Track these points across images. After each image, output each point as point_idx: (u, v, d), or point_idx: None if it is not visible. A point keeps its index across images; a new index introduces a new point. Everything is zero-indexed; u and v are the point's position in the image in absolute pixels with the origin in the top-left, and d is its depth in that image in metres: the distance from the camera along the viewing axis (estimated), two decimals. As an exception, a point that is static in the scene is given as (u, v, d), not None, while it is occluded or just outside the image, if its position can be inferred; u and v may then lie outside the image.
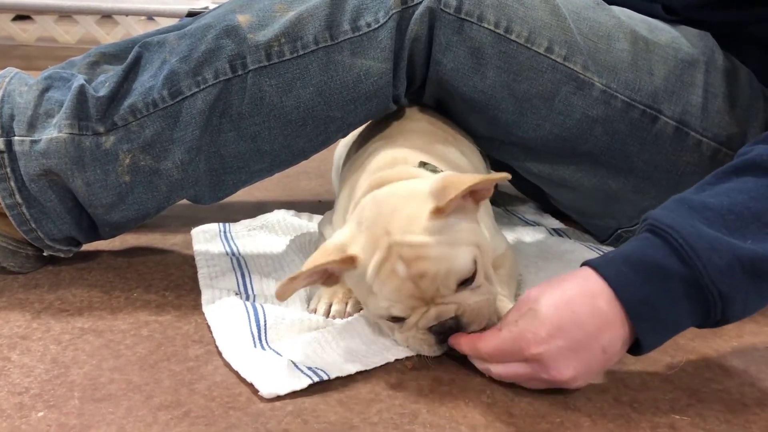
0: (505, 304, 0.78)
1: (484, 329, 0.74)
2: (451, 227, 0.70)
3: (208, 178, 0.91)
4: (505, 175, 0.71)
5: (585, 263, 0.70)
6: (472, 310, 0.71)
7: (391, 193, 0.75)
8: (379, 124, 0.97)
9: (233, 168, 0.91)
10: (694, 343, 0.82)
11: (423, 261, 0.68)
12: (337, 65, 0.86)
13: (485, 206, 0.89)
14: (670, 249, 0.65)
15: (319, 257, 0.71)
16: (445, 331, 0.71)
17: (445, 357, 0.76)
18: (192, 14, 2.75)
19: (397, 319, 0.72)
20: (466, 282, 0.70)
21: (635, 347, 0.68)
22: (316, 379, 0.69)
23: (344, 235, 0.73)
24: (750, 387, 0.75)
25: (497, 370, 0.70)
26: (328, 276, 0.74)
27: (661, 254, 0.65)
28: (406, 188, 0.75)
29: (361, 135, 1.01)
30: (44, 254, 0.95)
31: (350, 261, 0.70)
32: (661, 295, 0.65)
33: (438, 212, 0.69)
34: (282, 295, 0.70)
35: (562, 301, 0.67)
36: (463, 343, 0.72)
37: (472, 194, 0.73)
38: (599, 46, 0.91)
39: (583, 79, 0.90)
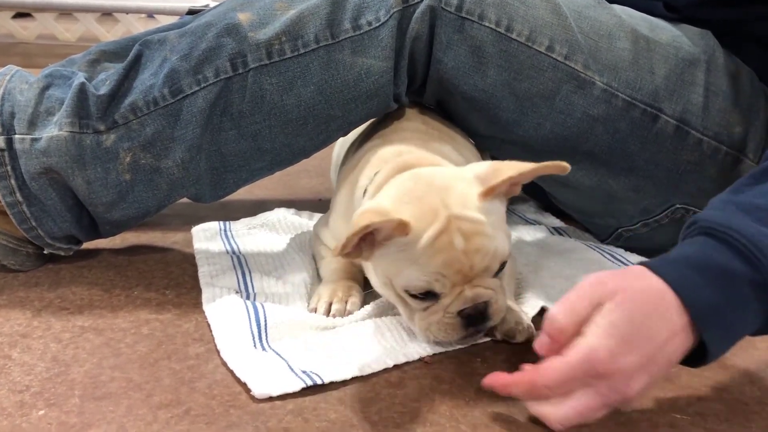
0: (510, 304, 0.78)
1: (492, 329, 0.77)
2: (494, 212, 0.73)
3: (208, 177, 0.91)
4: (562, 165, 0.70)
5: (642, 264, 0.64)
6: (500, 303, 0.74)
7: (435, 172, 0.77)
8: (375, 124, 0.98)
9: (234, 166, 0.91)
10: (694, 342, 0.82)
11: (480, 237, 0.71)
12: (338, 64, 0.86)
13: None
14: (734, 251, 0.61)
15: (371, 216, 0.68)
16: (475, 314, 0.73)
17: (446, 357, 0.76)
18: (192, 12, 2.75)
19: (429, 297, 0.72)
20: (503, 265, 0.73)
21: (698, 357, 0.63)
22: (310, 383, 0.69)
23: (381, 204, 0.73)
24: (750, 386, 0.75)
25: (562, 411, 0.61)
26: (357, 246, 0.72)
27: (725, 257, 0.61)
28: (447, 170, 0.78)
29: (360, 135, 1.01)
30: (44, 252, 0.95)
31: (403, 227, 0.70)
32: (730, 299, 0.60)
33: (489, 193, 0.72)
34: (342, 251, 0.68)
35: (631, 312, 0.60)
36: (516, 384, 0.63)
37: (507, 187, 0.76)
38: (600, 44, 0.91)
39: (584, 78, 0.90)
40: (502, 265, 0.74)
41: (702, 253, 0.62)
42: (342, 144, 1.13)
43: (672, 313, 0.60)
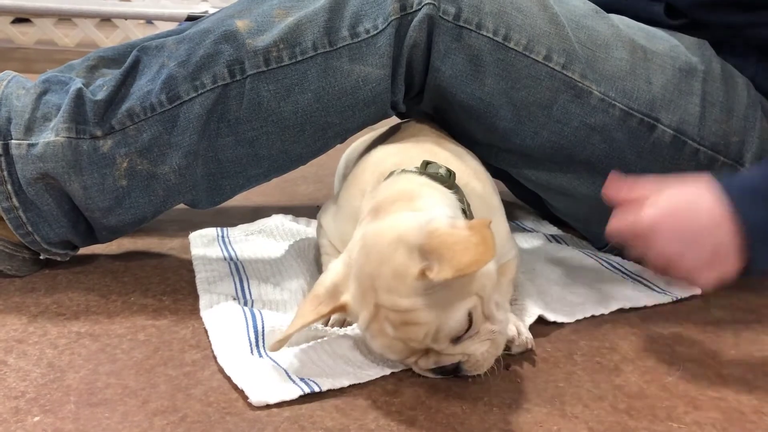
0: (509, 315, 0.78)
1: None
2: (441, 285, 0.64)
3: (205, 183, 0.91)
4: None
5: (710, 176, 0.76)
6: (476, 360, 0.70)
7: (379, 235, 0.69)
8: (381, 133, 0.97)
9: (231, 173, 0.91)
10: (691, 351, 0.82)
11: (410, 326, 0.66)
12: (336, 71, 0.86)
13: (500, 210, 0.89)
14: None
15: (309, 310, 0.71)
16: (445, 373, 0.72)
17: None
18: (191, 18, 2.75)
19: None
20: (460, 337, 0.68)
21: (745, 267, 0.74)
22: (307, 390, 0.69)
23: (336, 274, 0.72)
24: (747, 395, 0.75)
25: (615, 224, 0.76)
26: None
27: None
28: (395, 230, 0.69)
29: (363, 142, 1.01)
30: (41, 258, 0.95)
31: (341, 308, 0.71)
32: None
33: (425, 277, 0.64)
34: (277, 349, 0.71)
35: (679, 197, 0.75)
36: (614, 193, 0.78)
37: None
38: (597, 54, 0.91)
39: (581, 88, 0.90)
40: (468, 329, 0.67)
41: (764, 177, 0.75)
42: (348, 153, 1.13)
43: (716, 211, 0.72)
